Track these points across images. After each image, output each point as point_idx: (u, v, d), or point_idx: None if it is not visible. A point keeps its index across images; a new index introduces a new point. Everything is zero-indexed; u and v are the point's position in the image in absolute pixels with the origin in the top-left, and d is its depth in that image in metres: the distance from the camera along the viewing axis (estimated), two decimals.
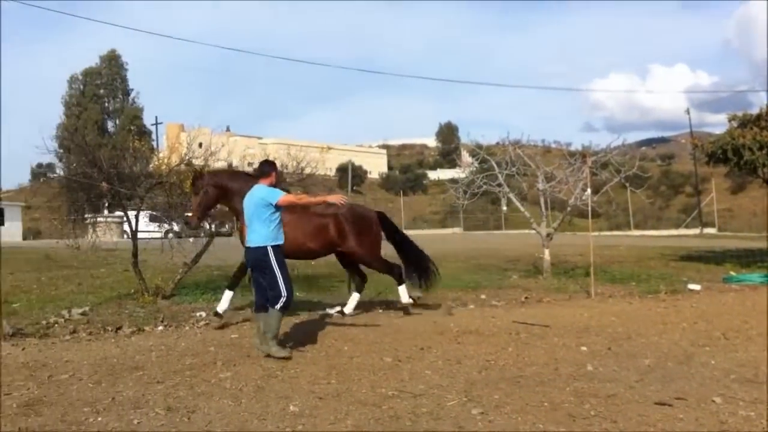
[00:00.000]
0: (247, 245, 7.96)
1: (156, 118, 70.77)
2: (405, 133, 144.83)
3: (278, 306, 7.71)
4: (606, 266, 17.23)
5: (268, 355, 7.58)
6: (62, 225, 12.65)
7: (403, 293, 10.75)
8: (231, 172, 10.93)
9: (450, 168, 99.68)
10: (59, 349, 8.34)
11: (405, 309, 10.89)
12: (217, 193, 9.78)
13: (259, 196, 7.87)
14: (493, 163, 16.92)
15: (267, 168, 8.18)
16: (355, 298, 10.94)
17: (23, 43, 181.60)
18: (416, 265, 11.16)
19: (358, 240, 10.46)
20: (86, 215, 13.21)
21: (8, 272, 14.55)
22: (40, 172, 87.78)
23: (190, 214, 9.96)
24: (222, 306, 9.96)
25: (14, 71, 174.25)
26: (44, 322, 9.89)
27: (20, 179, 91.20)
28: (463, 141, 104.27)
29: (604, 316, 10.75)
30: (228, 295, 10.01)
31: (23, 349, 8.34)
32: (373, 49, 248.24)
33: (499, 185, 16.79)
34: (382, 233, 11.04)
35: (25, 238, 44.53)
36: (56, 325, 9.74)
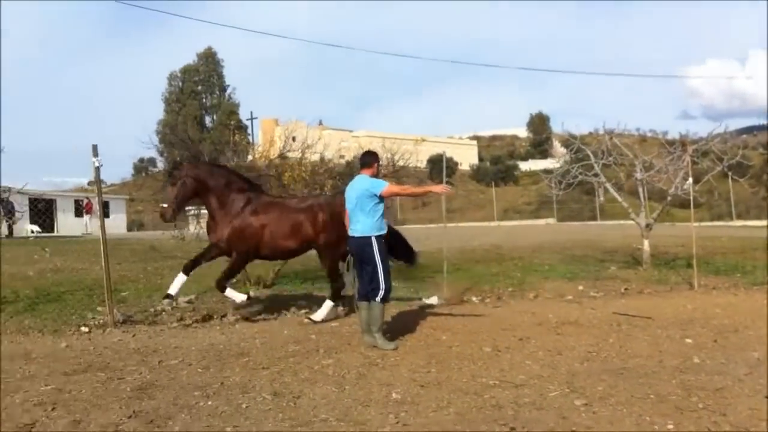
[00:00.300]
0: (351, 234, 8.00)
1: (251, 113, 72.06)
2: (496, 124, 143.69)
3: (377, 298, 7.80)
4: (708, 257, 16.67)
5: (374, 346, 7.68)
6: None
7: (325, 310, 9.58)
8: (212, 166, 10.31)
9: (541, 159, 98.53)
10: (168, 336, 8.66)
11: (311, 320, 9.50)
12: (195, 186, 9.48)
13: (363, 186, 7.90)
14: (589, 153, 16.63)
15: (369, 158, 8.21)
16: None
17: (124, 43, 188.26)
18: (407, 257, 10.07)
19: (326, 238, 9.60)
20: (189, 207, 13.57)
21: (116, 262, 15.08)
22: (142, 167, 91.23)
23: (165, 206, 9.48)
24: (173, 288, 9.50)
25: (116, 70, 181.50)
26: (152, 309, 10.29)
27: (123, 174, 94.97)
28: (554, 131, 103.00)
29: (708, 308, 10.46)
30: (181, 278, 9.47)
31: (134, 335, 8.69)
32: (465, 40, 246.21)
33: (596, 175, 16.50)
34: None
35: (129, 229, 46.49)
36: (164, 312, 10.10)
